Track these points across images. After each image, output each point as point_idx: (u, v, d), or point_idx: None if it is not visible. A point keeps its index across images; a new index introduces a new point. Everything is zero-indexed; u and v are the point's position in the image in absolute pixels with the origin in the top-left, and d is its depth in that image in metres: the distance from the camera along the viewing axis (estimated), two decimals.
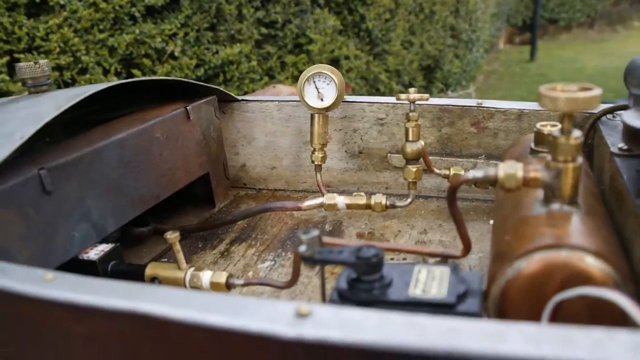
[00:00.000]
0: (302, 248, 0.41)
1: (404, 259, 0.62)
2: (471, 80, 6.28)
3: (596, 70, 7.02)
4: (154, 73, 2.59)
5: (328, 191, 0.88)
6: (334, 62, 3.79)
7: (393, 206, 0.68)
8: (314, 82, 0.74)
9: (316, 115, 0.76)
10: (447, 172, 0.75)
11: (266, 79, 3.22)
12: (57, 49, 2.20)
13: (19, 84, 2.14)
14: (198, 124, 0.79)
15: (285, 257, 0.70)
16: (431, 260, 0.56)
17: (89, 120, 0.72)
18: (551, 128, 0.52)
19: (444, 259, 0.51)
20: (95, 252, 0.64)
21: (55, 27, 2.19)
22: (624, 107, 0.66)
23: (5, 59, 2.08)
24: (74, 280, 0.37)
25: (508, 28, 9.18)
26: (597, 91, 0.39)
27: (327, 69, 0.75)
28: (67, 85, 2.30)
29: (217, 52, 2.86)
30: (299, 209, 0.70)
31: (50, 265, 0.58)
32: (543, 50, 8.33)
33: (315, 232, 0.42)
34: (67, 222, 0.59)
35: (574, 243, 0.37)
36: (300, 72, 3.27)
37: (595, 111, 0.69)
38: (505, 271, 0.38)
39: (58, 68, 2.23)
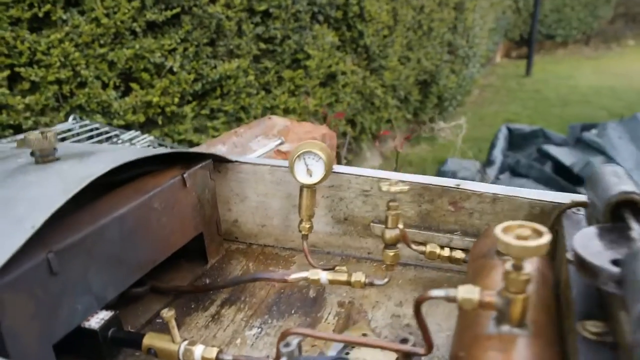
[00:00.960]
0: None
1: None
2: (466, 95, 6.35)
3: (590, 88, 7.13)
4: (152, 87, 2.63)
5: (314, 251, 0.94)
6: (331, 78, 3.85)
7: (371, 284, 0.74)
8: (304, 159, 0.80)
9: (305, 190, 0.81)
10: (423, 248, 0.80)
11: (263, 93, 3.28)
12: (58, 63, 2.25)
13: (18, 97, 2.19)
14: (194, 189, 0.85)
15: (270, 324, 0.76)
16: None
17: (96, 182, 0.77)
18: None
19: (405, 354, 0.56)
20: (96, 320, 0.69)
21: (56, 41, 2.23)
22: (585, 204, 0.71)
23: (7, 72, 2.12)
24: None
25: (505, 42, 9.27)
26: (546, 239, 0.44)
27: (317, 147, 0.80)
28: (65, 98, 2.34)
29: (215, 67, 2.91)
30: (285, 281, 0.75)
31: (55, 337, 0.63)
32: (539, 65, 8.43)
33: (295, 342, 0.48)
34: (71, 297, 0.64)
35: None
36: (297, 86, 3.32)
37: (561, 202, 0.75)
38: None
39: (57, 82, 2.28)
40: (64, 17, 2.24)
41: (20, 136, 1.86)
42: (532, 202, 0.77)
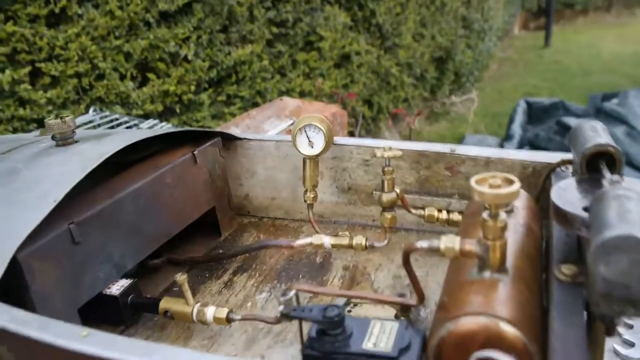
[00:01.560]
0: (281, 307, 0.52)
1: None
2: (484, 70, 6.29)
3: (612, 55, 6.98)
4: (169, 76, 2.70)
5: (321, 221, 0.98)
6: (345, 58, 3.87)
7: (372, 247, 0.78)
8: (305, 131, 0.84)
9: (307, 161, 0.86)
10: (422, 212, 0.84)
11: (278, 77, 3.32)
12: (76, 57, 2.32)
13: (40, 91, 2.27)
14: (204, 165, 0.90)
15: (279, 288, 0.81)
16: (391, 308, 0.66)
17: (112, 161, 0.83)
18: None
19: (402, 307, 0.61)
20: (116, 288, 0.75)
21: (73, 36, 2.30)
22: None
23: (28, 68, 2.20)
24: (103, 337, 0.48)
25: (523, 13, 9.11)
26: (515, 186, 0.48)
27: (316, 120, 0.84)
28: (84, 91, 2.42)
29: (229, 54, 2.96)
30: (291, 247, 0.80)
31: (80, 302, 0.69)
32: (558, 35, 8.26)
33: (291, 293, 0.52)
34: (93, 265, 0.70)
35: (492, 311, 0.47)
36: (312, 69, 3.34)
37: (552, 162, 0.78)
38: (440, 330, 0.48)
39: (77, 75, 2.35)
40: (80, 11, 2.31)
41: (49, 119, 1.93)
42: (524, 162, 0.81)
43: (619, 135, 4.01)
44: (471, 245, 0.52)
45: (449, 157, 0.85)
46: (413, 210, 0.84)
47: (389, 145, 0.80)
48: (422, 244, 0.53)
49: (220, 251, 0.92)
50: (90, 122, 2.24)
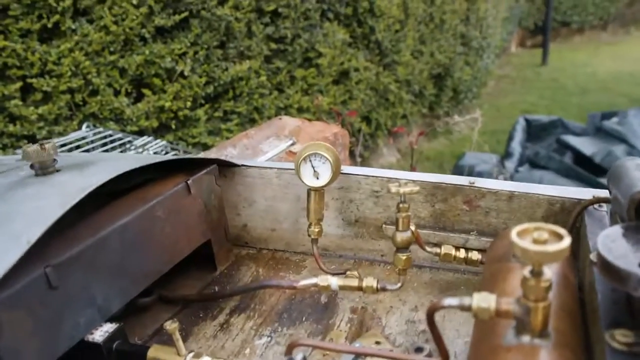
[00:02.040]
0: None
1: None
2: (482, 87, 6.27)
3: (609, 74, 6.98)
4: (164, 92, 2.63)
5: (326, 255, 0.91)
6: (344, 75, 3.81)
7: (384, 289, 0.71)
8: (310, 161, 0.77)
9: (312, 192, 0.79)
10: (438, 250, 0.77)
11: (275, 93, 3.26)
12: (69, 73, 2.25)
13: (32, 107, 2.19)
14: (199, 195, 0.83)
15: (281, 332, 0.73)
16: None
17: (98, 191, 0.76)
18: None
19: None
20: (100, 334, 0.67)
21: (66, 51, 2.24)
22: (608, 200, 0.68)
23: (19, 84, 2.13)
24: None
25: (520, 31, 9.14)
26: (566, 242, 0.41)
27: (323, 148, 0.77)
28: (77, 107, 2.35)
29: (226, 69, 2.90)
30: (294, 288, 0.72)
31: (58, 353, 0.61)
32: (555, 53, 8.28)
33: (300, 357, 0.45)
34: (73, 311, 0.62)
35: None
36: (310, 85, 3.29)
37: (582, 198, 0.71)
38: None
39: (69, 91, 2.28)
40: (73, 26, 2.24)
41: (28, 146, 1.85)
42: (551, 198, 0.74)
43: (619, 154, 3.96)
44: (508, 305, 0.45)
45: (468, 190, 0.78)
46: (428, 248, 0.77)
47: (403, 178, 0.73)
48: (451, 302, 0.46)
49: (216, 288, 0.85)
50: (84, 138, 2.17)
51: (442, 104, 5.37)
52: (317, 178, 0.77)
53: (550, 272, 0.43)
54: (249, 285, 0.82)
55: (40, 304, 0.58)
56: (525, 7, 8.76)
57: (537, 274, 0.43)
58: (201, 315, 0.79)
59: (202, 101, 2.86)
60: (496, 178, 3.84)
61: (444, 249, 0.76)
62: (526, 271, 0.43)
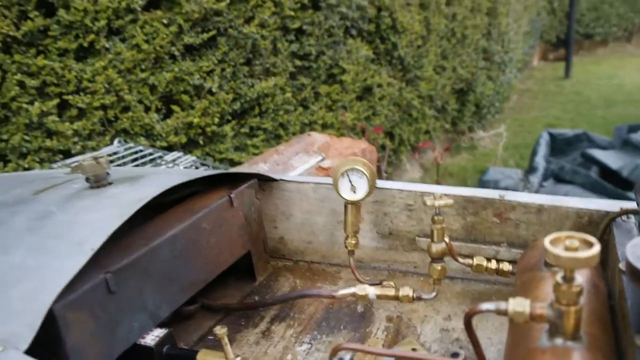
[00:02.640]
0: None
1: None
2: (504, 101, 6.26)
3: (635, 87, 6.91)
4: (193, 109, 2.70)
5: (360, 266, 0.94)
6: (367, 91, 3.86)
7: (419, 298, 0.74)
8: (348, 176, 0.81)
9: (349, 206, 0.82)
10: (470, 261, 0.80)
11: (300, 109, 3.31)
12: (102, 90, 2.33)
13: (67, 123, 2.28)
14: (241, 208, 0.87)
15: (320, 340, 0.77)
16: None
17: (147, 204, 0.81)
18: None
19: None
20: (151, 338, 0.71)
21: (100, 69, 2.32)
22: (636, 212, 0.70)
23: (56, 101, 2.22)
24: None
25: (542, 44, 9.11)
26: (596, 249, 0.44)
27: (360, 163, 0.81)
28: (110, 123, 2.43)
29: (252, 86, 2.97)
30: (333, 297, 0.76)
31: (115, 354, 0.65)
32: (578, 66, 8.23)
33: (348, 357, 0.49)
34: (128, 315, 0.67)
35: None
36: (334, 101, 3.35)
37: (610, 210, 0.74)
38: None
39: (102, 107, 2.36)
40: (107, 45, 2.33)
41: (70, 161, 1.94)
42: (580, 211, 0.76)
43: None
44: (542, 309, 0.48)
45: (498, 203, 0.81)
46: (460, 260, 0.80)
47: (437, 191, 0.77)
48: (488, 306, 0.49)
49: (257, 298, 0.89)
50: (115, 153, 2.24)
51: (465, 119, 5.38)
52: (354, 192, 0.81)
53: (581, 278, 0.46)
54: (289, 294, 0.85)
55: (100, 307, 0.63)
56: (547, 20, 8.74)
57: (569, 279, 0.46)
58: (243, 323, 0.83)
59: (229, 117, 2.93)
60: None
61: (476, 260, 0.79)
62: (558, 277, 0.46)
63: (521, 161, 4.94)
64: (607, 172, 4.09)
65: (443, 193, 0.81)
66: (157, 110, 2.62)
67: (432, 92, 4.66)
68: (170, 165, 2.21)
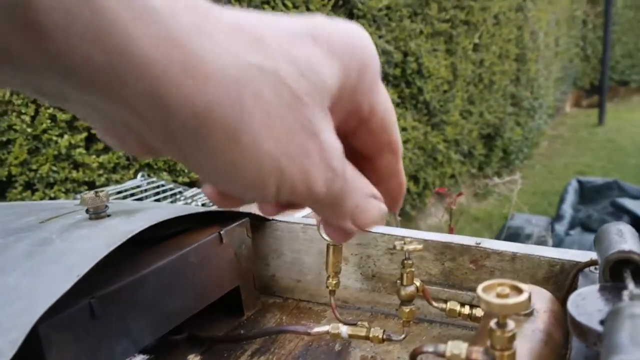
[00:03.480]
0: None
1: None
2: (533, 147, 6.22)
3: None
4: None
5: (345, 307, 0.97)
6: None
7: (389, 339, 0.77)
8: None
9: (331, 247, 0.86)
10: (444, 305, 0.82)
11: None
12: None
13: (93, 156, 2.39)
14: (230, 245, 0.91)
15: None
16: None
17: (140, 239, 0.86)
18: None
19: None
20: None
21: None
22: None
23: (84, 134, 2.34)
24: None
25: (575, 91, 9.06)
26: (524, 296, 0.47)
27: None
28: (134, 157, 2.53)
29: None
30: (308, 334, 0.79)
31: None
32: (612, 113, 8.14)
33: None
34: (110, 339, 0.71)
35: None
36: None
37: (581, 261, 0.75)
38: None
39: None
40: None
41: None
42: (552, 260, 0.78)
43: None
44: (478, 354, 0.50)
45: (474, 250, 0.84)
46: (435, 303, 0.82)
47: (411, 237, 0.80)
48: (428, 348, 0.52)
49: (242, 332, 0.92)
50: (138, 186, 2.33)
51: (492, 164, 5.37)
52: None
53: (512, 324, 0.49)
54: (268, 329, 0.89)
55: (84, 330, 0.67)
56: (580, 66, 8.72)
57: (502, 325, 0.49)
58: (225, 355, 0.86)
59: None
60: (545, 240, 3.77)
61: (450, 305, 0.81)
62: (492, 323, 0.49)
63: (549, 208, 4.88)
64: (637, 222, 4.00)
65: (421, 238, 0.84)
66: None
67: (458, 136, 4.68)
68: (189, 201, 2.29)
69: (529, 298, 0.47)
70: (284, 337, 0.89)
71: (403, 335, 0.78)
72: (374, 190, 0.42)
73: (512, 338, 0.49)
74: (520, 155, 5.73)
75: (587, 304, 0.54)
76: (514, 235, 3.87)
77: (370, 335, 0.76)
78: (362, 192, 0.40)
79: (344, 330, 0.78)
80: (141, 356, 0.77)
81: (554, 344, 0.61)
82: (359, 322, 0.81)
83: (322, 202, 0.35)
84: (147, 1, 0.26)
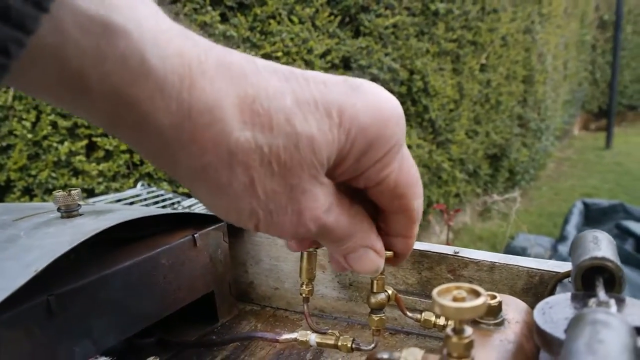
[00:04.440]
0: None
1: None
2: (540, 169, 6.17)
3: None
4: None
5: (322, 316, 0.94)
6: None
7: (358, 349, 0.74)
8: None
9: (304, 253, 0.84)
10: (418, 315, 0.79)
11: None
12: None
13: (94, 164, 2.39)
14: (205, 248, 0.89)
15: None
16: None
17: (112, 240, 0.84)
18: (491, 301, 0.58)
19: None
20: None
21: None
22: None
23: (85, 142, 2.34)
24: None
25: (583, 114, 9.02)
26: (481, 300, 0.44)
27: None
28: (135, 166, 2.53)
29: None
30: (277, 341, 0.77)
31: None
32: (620, 137, 8.08)
33: None
34: (69, 339, 0.69)
35: None
36: None
37: (560, 271, 0.72)
38: None
39: (129, 151, 2.47)
40: None
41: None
42: (531, 270, 0.75)
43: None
44: None
45: (452, 259, 0.81)
46: (410, 314, 0.79)
47: None
48: (383, 355, 0.49)
49: (214, 337, 0.90)
50: (138, 195, 2.33)
51: (498, 184, 5.32)
52: None
53: (470, 330, 0.46)
54: (236, 335, 0.86)
55: (39, 328, 0.65)
56: (589, 90, 8.69)
57: (458, 331, 0.46)
58: (194, 359, 0.84)
59: None
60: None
61: (425, 315, 0.78)
62: (448, 329, 0.46)
63: (554, 230, 4.82)
64: None
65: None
66: None
67: (463, 155, 4.65)
68: (187, 210, 2.28)
69: (485, 301, 0.45)
70: (256, 344, 0.86)
71: (373, 345, 0.75)
72: (373, 242, 0.47)
73: (470, 345, 0.46)
74: (527, 176, 5.68)
75: (555, 312, 0.52)
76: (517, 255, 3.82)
77: (339, 343, 0.74)
78: (360, 242, 0.45)
79: (313, 338, 0.75)
80: (104, 358, 0.74)
81: (524, 356, 0.58)
82: (330, 331, 0.79)
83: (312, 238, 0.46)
84: (165, 82, 0.32)
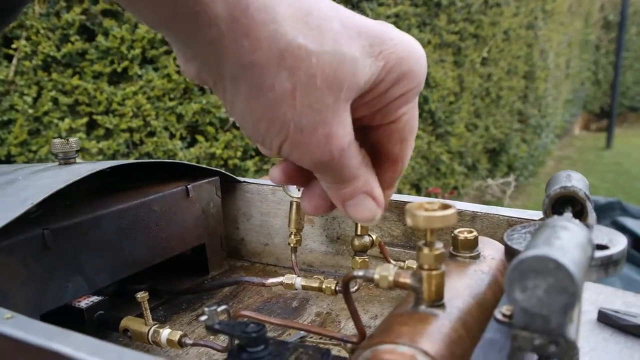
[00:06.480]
0: (203, 317, 0.51)
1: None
2: (539, 165, 6.19)
3: None
4: (216, 140, 2.81)
5: (310, 270, 0.97)
6: None
7: (341, 292, 0.76)
8: None
9: (294, 203, 0.86)
10: (402, 264, 0.82)
11: None
12: (130, 113, 2.47)
13: (94, 142, 2.41)
14: (198, 200, 0.92)
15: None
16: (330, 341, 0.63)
17: (107, 188, 0.86)
18: (467, 235, 0.60)
19: (343, 342, 0.58)
20: (85, 302, 0.76)
21: (131, 93, 2.47)
22: None
23: (85, 119, 2.37)
24: (24, 321, 0.49)
25: (585, 114, 9.02)
26: (452, 210, 0.47)
27: None
28: (135, 145, 2.56)
29: None
30: (263, 284, 0.79)
31: (44, 308, 0.70)
32: (621, 138, 8.09)
33: (219, 307, 0.52)
34: (63, 273, 0.72)
35: (414, 342, 0.44)
36: None
37: (539, 218, 0.75)
38: (358, 357, 0.46)
39: (129, 130, 2.50)
40: (140, 72, 2.49)
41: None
42: (511, 219, 0.78)
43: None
44: (406, 277, 0.50)
45: None
46: (393, 262, 0.82)
47: None
48: (358, 272, 0.52)
49: (205, 283, 0.92)
50: None
51: (497, 179, 5.34)
52: (299, 190, 0.85)
53: (441, 244, 0.49)
54: (225, 280, 0.89)
55: (34, 259, 0.68)
56: (591, 90, 8.70)
57: (429, 243, 0.48)
58: (184, 307, 0.86)
59: (253, 153, 3.02)
60: None
61: (407, 263, 0.81)
62: (420, 242, 0.49)
63: None
64: (639, 242, 3.95)
65: None
66: (182, 138, 2.74)
67: (462, 148, 4.67)
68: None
69: (455, 212, 0.47)
70: (244, 293, 0.89)
71: (356, 287, 0.77)
72: (374, 189, 0.48)
73: (440, 257, 0.48)
74: (525, 172, 5.70)
75: (521, 234, 0.54)
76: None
77: (324, 286, 0.76)
78: (362, 186, 0.46)
79: (298, 281, 0.78)
80: (95, 297, 0.77)
81: (498, 287, 0.60)
82: (315, 276, 0.81)
83: (316, 172, 0.44)
84: None
